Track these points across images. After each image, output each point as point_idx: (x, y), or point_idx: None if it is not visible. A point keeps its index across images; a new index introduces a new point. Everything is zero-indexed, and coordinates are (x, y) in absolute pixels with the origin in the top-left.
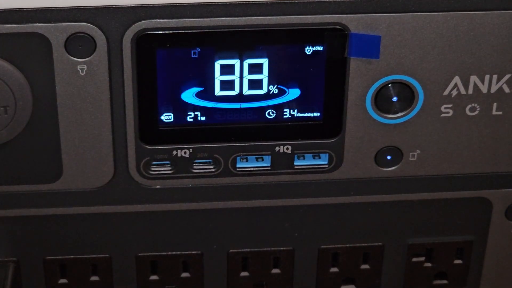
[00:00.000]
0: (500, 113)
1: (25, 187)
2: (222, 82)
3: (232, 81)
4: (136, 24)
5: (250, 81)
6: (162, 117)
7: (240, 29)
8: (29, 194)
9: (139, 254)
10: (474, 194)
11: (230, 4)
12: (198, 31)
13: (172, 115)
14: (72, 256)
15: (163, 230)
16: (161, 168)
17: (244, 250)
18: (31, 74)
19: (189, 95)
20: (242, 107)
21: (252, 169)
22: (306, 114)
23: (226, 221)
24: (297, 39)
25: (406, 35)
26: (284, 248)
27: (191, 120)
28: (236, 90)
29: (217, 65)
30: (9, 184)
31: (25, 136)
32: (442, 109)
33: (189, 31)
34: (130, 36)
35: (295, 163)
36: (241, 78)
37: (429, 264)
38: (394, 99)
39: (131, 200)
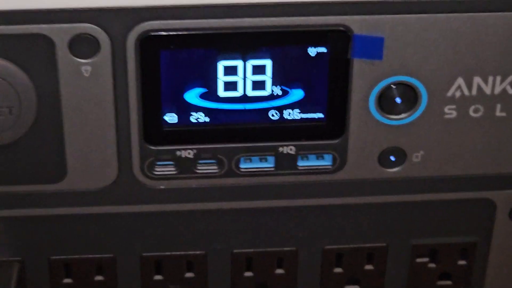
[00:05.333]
0: (503, 114)
1: (30, 187)
2: (225, 83)
3: (236, 82)
4: (139, 25)
5: (253, 82)
6: (166, 118)
7: (243, 31)
8: (34, 194)
9: (144, 254)
10: (478, 195)
11: (233, 5)
12: (201, 32)
13: (176, 115)
14: (76, 256)
15: (167, 230)
16: (165, 169)
17: (248, 250)
18: (36, 75)
19: (192, 96)
20: (245, 108)
21: (256, 169)
22: (309, 115)
23: (230, 221)
24: (300, 41)
25: (410, 36)
26: (288, 248)
27: (195, 121)
28: (240, 91)
29: (221, 66)
30: (13, 184)
31: (30, 136)
32: (446, 110)
33: (193, 32)
34: (134, 37)
35: (299, 164)
36: (244, 79)
37: (433, 265)
38: (398, 100)
39: (135, 200)
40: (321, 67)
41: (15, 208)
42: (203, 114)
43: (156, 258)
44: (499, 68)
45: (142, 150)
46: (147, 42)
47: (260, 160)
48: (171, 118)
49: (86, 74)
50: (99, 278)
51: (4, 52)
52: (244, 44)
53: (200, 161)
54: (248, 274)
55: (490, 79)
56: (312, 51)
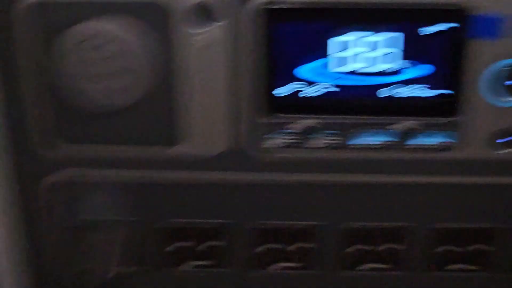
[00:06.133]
0: None
1: (142, 149)
2: (339, 58)
3: (346, 58)
4: None
5: (368, 58)
6: (278, 90)
7: (362, 7)
8: (145, 157)
9: (251, 225)
10: None
11: None
12: (318, 6)
13: (287, 88)
14: (184, 221)
15: (275, 201)
16: (276, 141)
17: (357, 224)
18: (151, 42)
19: (306, 70)
20: (358, 84)
21: (368, 145)
22: (423, 93)
23: (339, 195)
24: (419, 19)
25: None
26: (405, 224)
27: (308, 94)
28: (352, 67)
29: (336, 40)
30: (127, 145)
31: (144, 101)
32: None
33: (309, 6)
34: (249, 9)
35: (411, 141)
36: (362, 54)
37: None
38: None
39: (244, 170)
40: (439, 46)
41: (126, 168)
42: (318, 87)
43: (263, 228)
44: None
45: (252, 121)
46: (262, 15)
47: (372, 135)
48: (282, 90)
49: (199, 44)
50: (205, 245)
51: (120, 19)
52: (371, 18)
53: (311, 134)
54: (356, 248)
55: None
56: (430, 30)
